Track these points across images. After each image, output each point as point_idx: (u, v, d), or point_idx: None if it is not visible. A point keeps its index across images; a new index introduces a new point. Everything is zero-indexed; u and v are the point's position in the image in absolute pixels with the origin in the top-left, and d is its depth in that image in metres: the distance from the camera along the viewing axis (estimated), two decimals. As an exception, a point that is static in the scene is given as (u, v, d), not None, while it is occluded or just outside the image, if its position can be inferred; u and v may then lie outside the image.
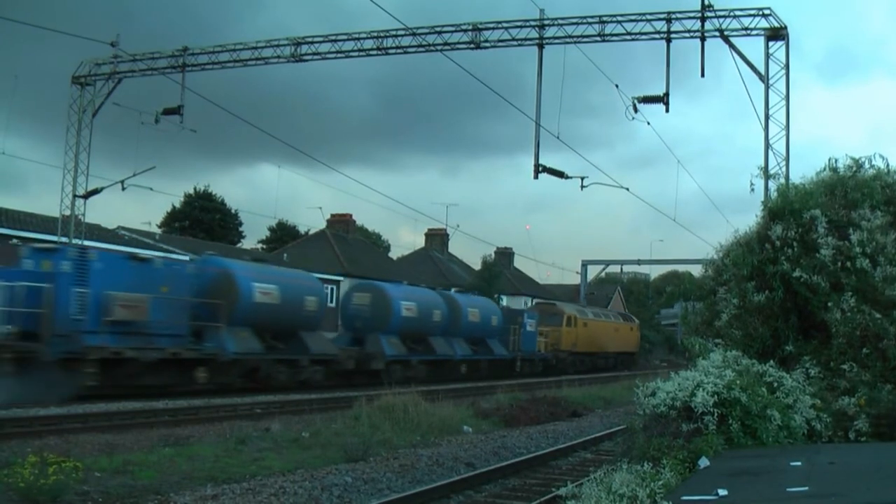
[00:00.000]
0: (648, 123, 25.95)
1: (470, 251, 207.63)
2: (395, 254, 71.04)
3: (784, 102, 22.99)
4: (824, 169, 12.04)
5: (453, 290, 49.85)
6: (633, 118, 24.35)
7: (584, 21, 24.94)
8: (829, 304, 10.14)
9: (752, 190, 16.88)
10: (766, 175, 17.10)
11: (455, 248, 74.35)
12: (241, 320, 23.49)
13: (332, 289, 48.04)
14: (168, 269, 22.28)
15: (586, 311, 49.46)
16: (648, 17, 24.31)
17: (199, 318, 22.49)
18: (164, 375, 21.37)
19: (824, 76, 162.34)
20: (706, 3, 23.42)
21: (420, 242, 69.57)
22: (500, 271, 62.60)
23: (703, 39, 23.59)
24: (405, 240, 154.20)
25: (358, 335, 30.05)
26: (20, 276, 19.02)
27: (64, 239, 28.67)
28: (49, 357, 18.32)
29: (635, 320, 60.73)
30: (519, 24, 25.64)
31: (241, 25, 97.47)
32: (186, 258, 22.44)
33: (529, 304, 58.58)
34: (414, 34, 25.82)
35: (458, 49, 25.66)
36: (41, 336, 18.44)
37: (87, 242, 29.61)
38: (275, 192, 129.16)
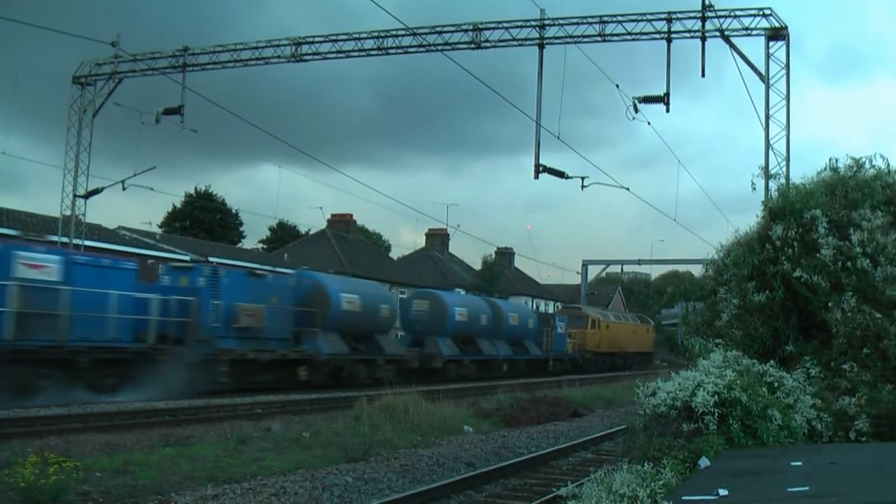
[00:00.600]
0: (649, 123, 26.00)
1: (470, 251, 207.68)
2: (395, 253, 71.15)
3: (784, 102, 22.99)
4: (825, 169, 12.05)
5: (456, 289, 50.72)
6: (634, 118, 24.37)
7: (585, 21, 24.94)
8: (830, 304, 10.14)
9: (754, 189, 16.87)
10: (767, 175, 17.11)
11: (455, 248, 74.40)
12: (331, 326, 27.03)
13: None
14: (276, 282, 26.01)
15: (608, 315, 53.23)
16: (649, 16, 24.31)
17: (299, 324, 25.85)
18: (273, 373, 24.69)
19: (826, 76, 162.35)
20: (707, 2, 23.42)
21: (421, 242, 69.70)
22: (501, 271, 62.63)
23: (703, 39, 23.59)
24: (406, 239, 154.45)
25: (418, 337, 33.40)
26: (169, 290, 22.43)
27: (64, 239, 28.68)
28: (193, 358, 21.54)
29: (650, 322, 61.75)
30: (519, 24, 25.63)
31: (242, 25, 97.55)
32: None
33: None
34: (414, 34, 25.83)
35: (458, 49, 25.66)
36: (187, 340, 21.77)
37: (87, 243, 29.64)
38: (276, 193, 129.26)
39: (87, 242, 29.89)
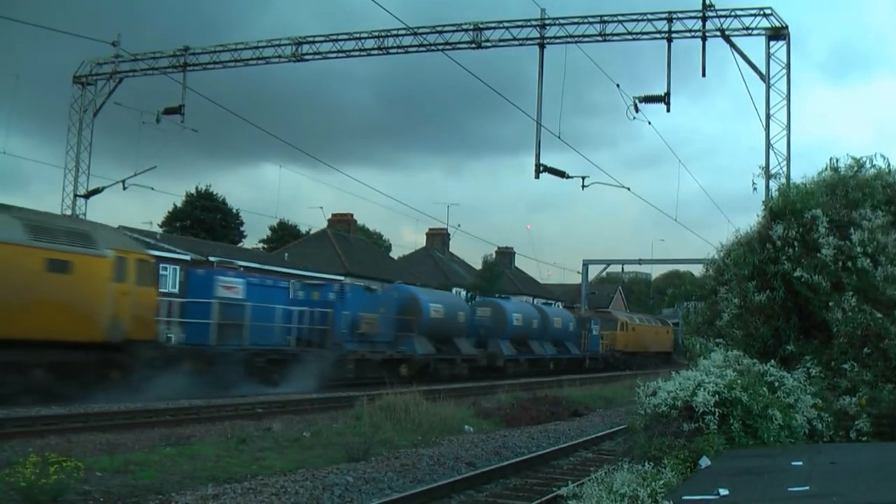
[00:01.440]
0: (649, 123, 26.01)
1: (471, 251, 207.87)
2: (396, 253, 71.14)
3: (785, 102, 23.00)
4: (825, 168, 12.05)
5: (454, 289, 51.41)
6: (634, 118, 24.39)
7: (585, 21, 24.96)
8: (830, 303, 10.14)
9: (755, 189, 16.88)
10: (768, 175, 17.12)
11: (456, 247, 74.39)
12: (422, 331, 31.84)
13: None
14: (384, 295, 30.71)
15: (634, 318, 57.99)
16: (650, 16, 24.34)
17: (398, 330, 30.60)
18: (382, 371, 27.86)
19: (828, 75, 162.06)
20: (707, 2, 23.43)
21: (422, 242, 69.64)
22: (502, 271, 62.65)
23: (704, 39, 23.63)
24: (407, 239, 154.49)
25: (482, 340, 37.51)
26: (306, 303, 27.02)
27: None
28: (331, 358, 26.10)
29: (670, 324, 63.11)
30: (520, 23, 25.65)
31: (244, 24, 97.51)
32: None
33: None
34: (415, 34, 25.84)
35: (459, 49, 25.67)
36: (325, 344, 26.46)
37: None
38: (277, 192, 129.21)
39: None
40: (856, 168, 11.79)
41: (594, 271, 70.13)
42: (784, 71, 23.11)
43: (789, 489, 6.07)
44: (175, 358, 21.49)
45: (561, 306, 58.43)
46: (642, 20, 24.39)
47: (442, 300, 34.97)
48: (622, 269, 74.01)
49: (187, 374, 21.62)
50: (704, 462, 7.49)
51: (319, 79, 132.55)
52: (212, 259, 34.49)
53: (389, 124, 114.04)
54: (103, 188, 30.31)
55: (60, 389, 18.58)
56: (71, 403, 18.14)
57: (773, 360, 9.85)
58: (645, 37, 24.51)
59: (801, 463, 7.13)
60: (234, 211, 63.52)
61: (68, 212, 29.69)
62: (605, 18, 24.75)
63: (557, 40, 25.19)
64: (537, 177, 25.49)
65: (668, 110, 24.04)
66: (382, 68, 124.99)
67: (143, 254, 21.91)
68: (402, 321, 30.77)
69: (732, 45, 23.65)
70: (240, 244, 60.46)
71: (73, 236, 19.64)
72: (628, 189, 30.96)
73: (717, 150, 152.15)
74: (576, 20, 25.01)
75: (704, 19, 23.60)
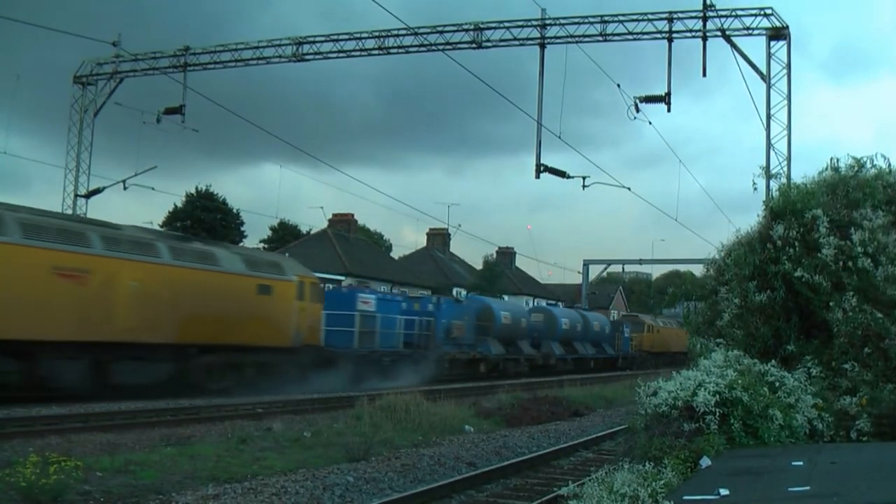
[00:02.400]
0: (650, 123, 26.00)
1: (472, 251, 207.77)
2: (396, 253, 71.13)
3: (786, 102, 22.99)
4: (826, 168, 12.03)
5: (455, 289, 51.93)
6: (635, 118, 24.38)
7: (586, 21, 24.94)
8: (831, 303, 10.13)
9: (755, 189, 16.84)
10: (768, 175, 17.10)
11: (457, 247, 74.38)
12: (495, 334, 37.06)
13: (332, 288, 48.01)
14: (466, 304, 36.40)
15: (658, 321, 63.34)
16: (650, 16, 24.33)
17: (477, 334, 35.70)
18: (466, 369, 34.05)
19: (831, 74, 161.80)
20: (708, 2, 23.42)
21: (423, 242, 69.63)
22: (502, 271, 62.69)
23: (704, 39, 23.63)
24: (409, 239, 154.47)
25: (535, 341, 41.93)
26: (415, 313, 32.39)
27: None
28: (432, 358, 31.18)
29: None
30: (521, 23, 25.64)
31: (245, 23, 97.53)
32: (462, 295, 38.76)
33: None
34: (416, 34, 25.84)
35: (459, 48, 25.66)
36: (428, 346, 31.91)
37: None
38: (279, 192, 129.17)
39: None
40: (856, 168, 11.78)
41: (595, 271, 70.21)
42: (785, 71, 23.10)
43: (790, 489, 6.06)
44: (331, 359, 26.72)
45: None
46: (643, 20, 24.38)
47: (509, 308, 40.94)
48: (623, 268, 74.15)
49: (337, 371, 26.36)
50: (705, 462, 7.48)
51: (321, 78, 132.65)
52: (344, 279, 41.77)
53: (391, 124, 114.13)
54: (104, 188, 30.32)
55: (262, 383, 23.57)
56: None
57: (773, 360, 9.84)
58: (645, 37, 24.51)
59: (801, 463, 7.13)
60: (235, 211, 63.52)
61: (69, 212, 29.68)
62: (606, 18, 24.74)
63: (558, 40, 25.18)
64: (538, 177, 25.51)
65: (669, 110, 24.06)
66: (384, 68, 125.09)
67: (314, 278, 27.42)
68: (480, 326, 36.09)
69: (733, 45, 23.66)
70: (240, 244, 60.44)
71: (272, 266, 25.40)
72: (629, 189, 30.98)
73: (719, 150, 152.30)
74: (576, 20, 25.00)
75: (705, 19, 23.60)
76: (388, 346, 30.09)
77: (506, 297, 57.84)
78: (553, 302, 62.00)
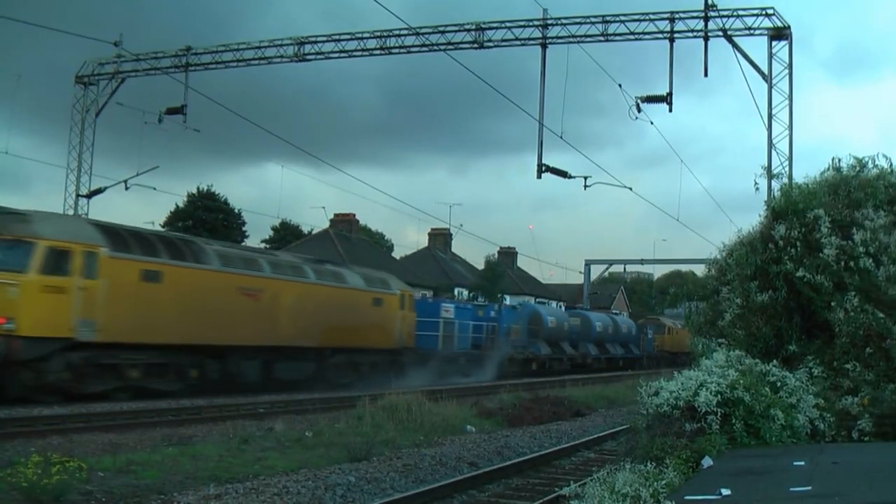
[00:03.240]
0: (652, 123, 25.98)
1: (474, 251, 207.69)
2: (398, 253, 71.09)
3: (788, 102, 22.98)
4: (828, 168, 12.04)
5: (456, 290, 52.30)
6: (636, 118, 24.36)
7: (588, 21, 24.92)
8: (833, 303, 10.12)
9: (757, 189, 16.86)
10: (770, 175, 17.11)
11: (459, 247, 74.38)
12: (543, 337, 42.04)
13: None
14: (521, 311, 42.33)
15: (676, 323, 66.03)
16: (652, 16, 24.30)
17: (529, 336, 40.87)
18: (520, 366, 38.37)
19: (834, 74, 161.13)
20: (709, 2, 23.40)
21: (426, 242, 69.56)
22: (503, 271, 62.69)
23: (706, 39, 23.61)
24: (411, 239, 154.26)
25: (573, 343, 46.30)
26: (481, 319, 38.04)
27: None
28: (497, 358, 36.26)
29: None
30: (522, 23, 25.62)
31: (249, 23, 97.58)
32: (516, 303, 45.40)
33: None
34: (417, 34, 25.83)
35: (461, 49, 25.64)
36: (493, 348, 37.11)
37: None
38: (281, 192, 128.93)
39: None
40: (858, 168, 11.78)
41: (596, 271, 70.12)
42: (786, 71, 23.08)
43: (791, 489, 6.06)
44: (423, 359, 31.31)
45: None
46: (644, 20, 24.35)
47: (554, 314, 45.76)
48: (624, 268, 74.01)
49: (426, 369, 30.63)
50: (706, 462, 7.48)
51: (324, 77, 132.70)
52: (424, 291, 47.31)
53: (394, 123, 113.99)
54: (105, 188, 30.33)
55: (374, 378, 27.43)
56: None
57: (775, 360, 9.84)
58: (647, 37, 24.48)
59: (803, 463, 7.12)
60: (237, 211, 63.56)
61: (70, 212, 29.69)
62: (608, 18, 24.71)
63: (559, 40, 25.15)
64: (539, 177, 25.48)
65: (671, 110, 24.04)
66: (387, 67, 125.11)
67: (410, 291, 32.12)
68: (531, 330, 41.17)
69: (735, 45, 23.63)
70: (242, 244, 60.44)
71: (382, 282, 30.36)
72: (630, 189, 30.97)
73: (724, 150, 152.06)
74: (578, 20, 24.97)
75: (706, 19, 23.57)
76: (463, 347, 35.81)
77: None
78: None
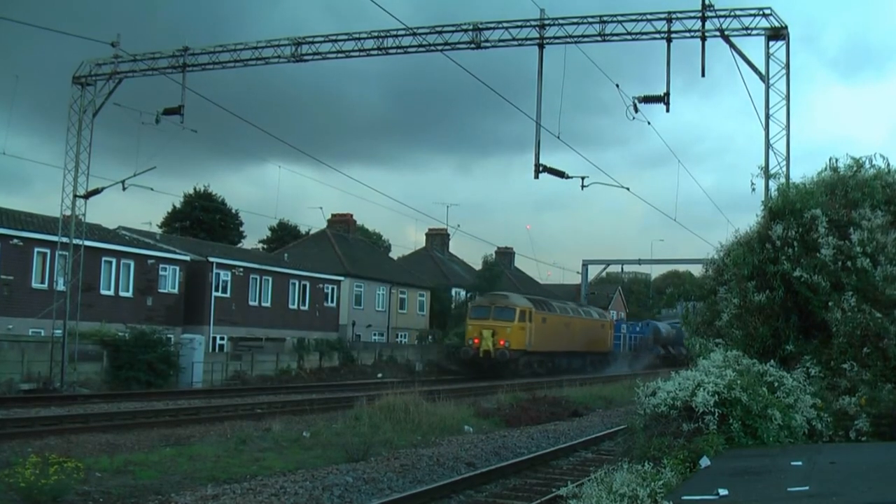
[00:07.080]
0: (649, 123, 25.93)
1: (472, 251, 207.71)
2: (396, 253, 71.12)
3: (785, 102, 22.98)
4: (825, 169, 12.04)
5: (454, 289, 52.40)
6: (634, 118, 24.31)
7: (585, 21, 24.87)
8: (830, 303, 10.13)
9: (753, 190, 16.87)
10: (767, 175, 17.09)
11: (457, 248, 74.39)
12: (660, 342, 60.31)
13: (332, 289, 48.03)
14: (650, 325, 63.31)
15: None
16: (649, 16, 24.24)
17: (654, 342, 60.12)
18: (653, 361, 56.79)
19: (841, 73, 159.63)
20: (707, 2, 23.37)
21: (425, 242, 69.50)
22: (501, 271, 62.70)
23: (703, 39, 23.53)
24: (411, 239, 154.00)
25: (666, 345, 60.22)
26: (636, 332, 63.38)
27: (65, 239, 28.67)
28: (647, 356, 58.12)
29: None
30: (519, 23, 25.55)
31: (251, 22, 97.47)
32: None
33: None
34: (414, 34, 25.76)
35: (458, 49, 25.58)
36: (645, 349, 59.98)
37: (87, 243, 29.63)
38: (279, 192, 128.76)
39: (87, 243, 29.88)
40: (855, 168, 11.78)
41: (594, 271, 70.20)
42: (784, 71, 23.08)
43: (789, 489, 6.07)
44: (617, 357, 56.06)
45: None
46: (642, 20, 24.28)
47: (664, 326, 63.40)
48: (622, 269, 74.16)
49: (619, 362, 53.54)
50: (704, 462, 7.48)
51: (325, 76, 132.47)
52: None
53: (396, 122, 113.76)
54: (103, 188, 30.20)
55: (597, 367, 50.62)
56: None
57: (772, 360, 9.84)
58: (644, 37, 24.40)
59: (800, 463, 7.13)
60: (234, 211, 63.56)
61: (68, 212, 29.64)
62: (605, 18, 24.65)
63: (557, 40, 25.09)
64: (537, 177, 25.31)
65: (668, 110, 23.89)
66: (388, 65, 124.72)
67: (612, 319, 56.39)
68: (656, 338, 59.87)
69: (732, 46, 23.60)
70: (239, 244, 60.45)
71: (601, 313, 56.28)
72: (627, 189, 30.95)
73: (727, 149, 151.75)
74: (575, 20, 24.90)
75: (704, 19, 23.50)
76: (629, 350, 59.25)
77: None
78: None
